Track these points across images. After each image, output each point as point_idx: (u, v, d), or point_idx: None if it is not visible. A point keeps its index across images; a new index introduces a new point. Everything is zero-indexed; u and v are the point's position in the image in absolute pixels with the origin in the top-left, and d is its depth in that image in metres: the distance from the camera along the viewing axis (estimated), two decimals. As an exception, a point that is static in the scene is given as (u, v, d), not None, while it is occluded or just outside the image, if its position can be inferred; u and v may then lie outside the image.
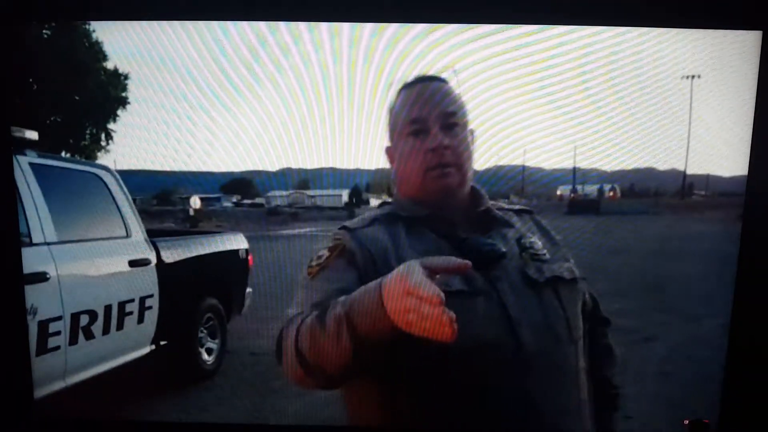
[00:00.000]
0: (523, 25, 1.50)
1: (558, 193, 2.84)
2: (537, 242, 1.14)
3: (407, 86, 1.15)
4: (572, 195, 2.70)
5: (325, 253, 1.08)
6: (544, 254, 1.12)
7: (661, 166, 2.35)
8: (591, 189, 2.76)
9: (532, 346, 1.00)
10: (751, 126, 1.48)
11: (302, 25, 1.65)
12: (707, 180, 2.27)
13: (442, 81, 1.15)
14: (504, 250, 1.05)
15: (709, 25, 1.47)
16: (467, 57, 1.58)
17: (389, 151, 1.19)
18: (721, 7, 1.42)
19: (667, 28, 1.51)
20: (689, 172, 2.21)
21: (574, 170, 2.45)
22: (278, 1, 1.47)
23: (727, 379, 1.52)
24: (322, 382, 0.96)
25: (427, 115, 1.10)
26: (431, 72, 1.18)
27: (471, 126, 1.16)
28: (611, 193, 2.62)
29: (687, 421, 1.51)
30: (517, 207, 1.23)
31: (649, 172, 2.30)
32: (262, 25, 1.71)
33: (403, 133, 1.12)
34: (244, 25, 1.69)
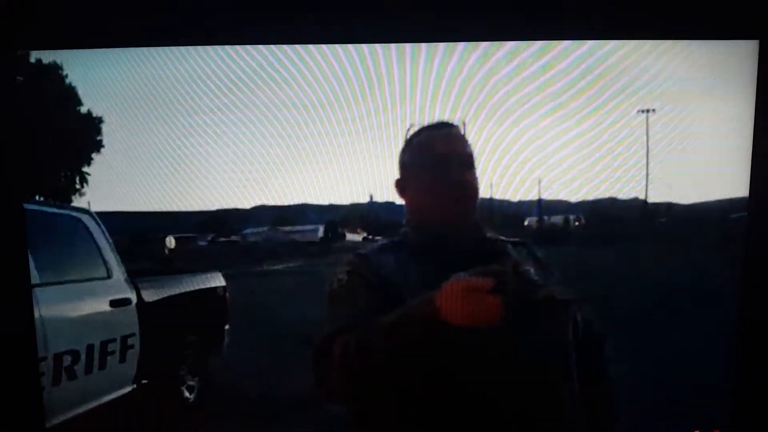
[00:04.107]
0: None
1: (525, 223, 2.96)
2: (531, 270, 1.26)
3: (431, 128, 1.30)
4: (536, 223, 2.81)
5: (344, 276, 1.21)
6: (537, 280, 1.24)
7: (623, 195, 2.49)
8: (557, 218, 2.88)
9: (518, 355, 1.10)
10: (752, 132, 1.49)
11: (273, 59, 1.71)
12: (667, 208, 2.40)
13: (458, 126, 1.31)
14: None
15: (706, 36, 1.50)
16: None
17: (400, 184, 1.33)
18: (717, 17, 1.43)
19: (664, 40, 1.57)
20: (649, 200, 2.34)
21: (540, 201, 2.57)
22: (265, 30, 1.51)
23: (736, 389, 1.53)
24: (358, 390, 1.10)
25: (453, 152, 1.24)
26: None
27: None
28: (576, 223, 2.74)
29: None
30: (513, 239, 1.35)
31: (612, 202, 2.43)
32: (236, 56, 1.77)
33: (427, 167, 1.25)
34: (216, 58, 1.73)
